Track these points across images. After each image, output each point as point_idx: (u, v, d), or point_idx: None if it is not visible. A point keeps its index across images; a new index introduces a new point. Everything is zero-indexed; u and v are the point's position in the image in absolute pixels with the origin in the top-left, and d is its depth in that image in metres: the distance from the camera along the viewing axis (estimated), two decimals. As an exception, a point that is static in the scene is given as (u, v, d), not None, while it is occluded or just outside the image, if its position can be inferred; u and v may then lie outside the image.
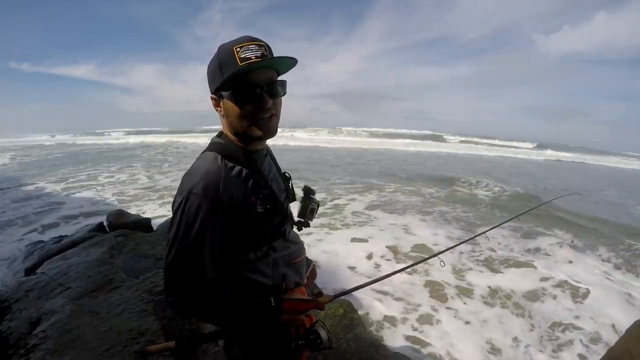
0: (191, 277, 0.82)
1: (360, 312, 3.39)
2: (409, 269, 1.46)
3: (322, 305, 0.98)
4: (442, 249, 1.64)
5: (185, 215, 0.81)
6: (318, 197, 1.25)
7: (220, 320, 0.91)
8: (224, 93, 0.87)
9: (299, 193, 1.18)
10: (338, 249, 5.35)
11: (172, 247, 0.82)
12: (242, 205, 0.87)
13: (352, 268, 4.71)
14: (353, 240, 5.74)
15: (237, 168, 0.89)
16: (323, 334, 0.96)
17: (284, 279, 0.99)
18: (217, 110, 0.93)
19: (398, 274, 1.33)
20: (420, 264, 1.56)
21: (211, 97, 0.92)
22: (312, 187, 1.22)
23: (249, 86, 0.84)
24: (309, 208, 1.16)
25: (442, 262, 1.44)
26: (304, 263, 1.10)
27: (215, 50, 0.89)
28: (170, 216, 0.85)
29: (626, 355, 2.22)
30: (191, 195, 0.81)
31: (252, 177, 0.91)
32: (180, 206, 0.82)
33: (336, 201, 8.29)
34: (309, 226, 1.17)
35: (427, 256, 1.54)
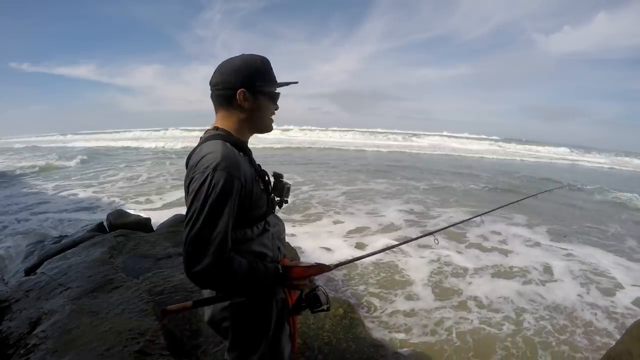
0: (217, 246, 0.87)
1: (360, 312, 3.39)
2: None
3: (327, 267, 1.08)
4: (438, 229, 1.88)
5: (212, 188, 0.88)
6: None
7: (238, 288, 0.97)
8: (266, 90, 1.06)
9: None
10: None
11: (198, 218, 0.87)
12: (252, 184, 0.99)
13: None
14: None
15: (241, 153, 1.01)
16: (322, 297, 1.11)
17: (279, 251, 1.15)
18: (239, 101, 1.02)
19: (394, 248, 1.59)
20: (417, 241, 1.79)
21: (242, 91, 1.01)
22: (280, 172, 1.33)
23: (278, 94, 1.11)
24: (285, 188, 1.27)
25: (436, 240, 1.62)
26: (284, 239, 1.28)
27: (236, 52, 1.09)
28: (193, 192, 0.89)
29: (626, 355, 2.22)
30: (217, 172, 0.88)
31: (251, 161, 1.06)
32: (206, 181, 0.88)
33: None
34: (287, 203, 1.29)
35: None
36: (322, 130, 45.03)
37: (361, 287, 4.17)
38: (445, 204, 8.60)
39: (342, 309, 2.71)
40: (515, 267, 5.15)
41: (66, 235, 4.94)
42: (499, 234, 6.38)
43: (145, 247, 3.61)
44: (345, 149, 25.28)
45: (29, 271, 3.47)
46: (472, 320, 3.88)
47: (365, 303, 3.91)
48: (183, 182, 0.98)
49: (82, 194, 9.11)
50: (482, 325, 3.85)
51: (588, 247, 6.11)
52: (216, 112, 1.07)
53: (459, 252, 5.45)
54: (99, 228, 4.73)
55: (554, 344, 3.60)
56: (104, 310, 2.41)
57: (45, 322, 2.27)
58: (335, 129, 47.45)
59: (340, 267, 1.19)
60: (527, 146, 36.17)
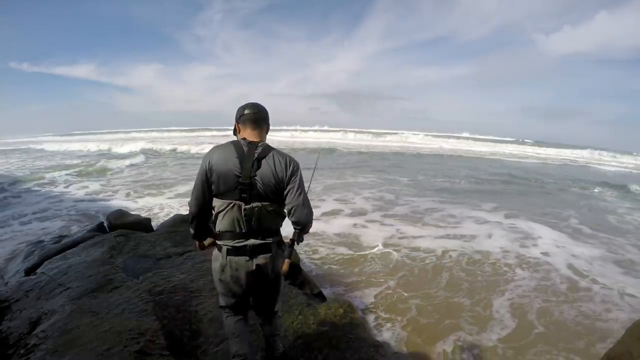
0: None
1: (360, 312, 3.39)
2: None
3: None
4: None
5: (301, 174, 1.60)
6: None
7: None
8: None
9: None
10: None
11: (304, 191, 1.59)
12: None
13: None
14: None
15: None
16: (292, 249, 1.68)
17: None
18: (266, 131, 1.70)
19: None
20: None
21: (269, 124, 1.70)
22: None
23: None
24: None
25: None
26: None
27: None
28: (297, 176, 1.57)
29: (626, 356, 2.22)
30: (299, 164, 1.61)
31: None
32: (300, 170, 1.59)
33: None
34: None
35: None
36: (321, 130, 45.03)
37: (318, 245, 5.46)
38: (418, 194, 9.53)
39: (342, 309, 2.71)
40: (461, 234, 6.30)
41: (66, 235, 4.94)
42: (455, 216, 7.40)
43: (145, 247, 3.61)
44: (342, 148, 25.28)
45: (29, 271, 3.47)
46: (396, 257, 5.06)
47: (315, 251, 5.22)
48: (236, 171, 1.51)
49: (82, 193, 9.11)
50: (403, 259, 5.06)
51: (533, 223, 7.15)
52: (263, 132, 1.66)
53: (415, 228, 6.57)
54: (99, 228, 4.72)
55: (455, 269, 4.82)
56: (104, 310, 2.41)
57: (45, 322, 2.27)
58: (335, 128, 47.47)
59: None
60: (541, 148, 35.28)
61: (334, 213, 7.34)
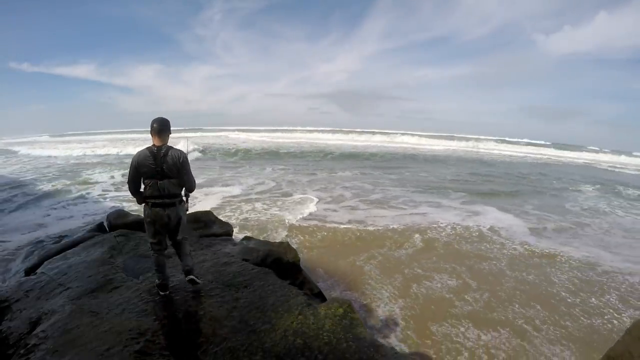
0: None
1: (360, 312, 3.38)
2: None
3: None
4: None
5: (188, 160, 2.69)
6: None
7: None
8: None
9: None
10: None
11: (190, 171, 2.65)
12: None
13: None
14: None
15: None
16: None
17: None
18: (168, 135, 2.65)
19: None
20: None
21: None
22: None
23: None
24: None
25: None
26: None
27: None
28: (186, 163, 2.63)
29: (626, 355, 2.21)
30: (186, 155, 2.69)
31: None
32: (187, 158, 2.64)
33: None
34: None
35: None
36: (321, 130, 44.98)
37: (290, 218, 6.74)
38: (397, 186, 10.75)
39: (342, 309, 2.70)
40: (420, 212, 7.55)
41: (66, 235, 4.94)
42: (414, 201, 8.67)
43: (145, 247, 3.60)
44: (339, 148, 25.27)
45: (29, 271, 3.47)
46: (355, 224, 6.50)
47: (290, 222, 6.47)
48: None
49: (82, 194, 9.10)
50: (359, 225, 6.46)
51: (488, 207, 8.26)
52: (165, 137, 2.59)
53: (381, 209, 7.79)
54: (99, 228, 4.71)
55: (398, 224, 6.42)
56: (104, 310, 2.41)
57: (45, 322, 2.27)
58: (335, 128, 47.49)
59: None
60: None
61: (313, 200, 8.43)
